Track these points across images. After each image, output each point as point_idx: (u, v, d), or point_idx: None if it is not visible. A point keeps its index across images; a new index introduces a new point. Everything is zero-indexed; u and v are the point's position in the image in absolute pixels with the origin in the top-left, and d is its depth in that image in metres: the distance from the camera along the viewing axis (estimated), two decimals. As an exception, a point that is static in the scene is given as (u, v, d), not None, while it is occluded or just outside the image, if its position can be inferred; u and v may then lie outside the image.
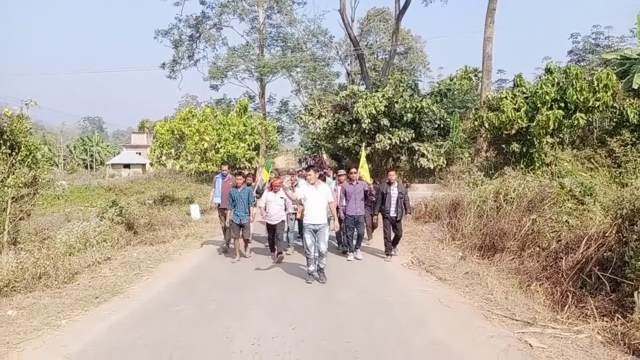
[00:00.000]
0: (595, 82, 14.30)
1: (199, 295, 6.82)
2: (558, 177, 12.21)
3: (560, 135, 15.28)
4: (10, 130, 10.06)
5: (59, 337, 5.06)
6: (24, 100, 11.48)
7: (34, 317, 5.62)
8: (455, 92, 28.34)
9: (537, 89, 15.07)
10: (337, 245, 10.80)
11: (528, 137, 15.09)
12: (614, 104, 14.97)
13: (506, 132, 15.42)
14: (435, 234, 11.63)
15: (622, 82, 15.88)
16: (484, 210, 10.73)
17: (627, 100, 15.22)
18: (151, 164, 24.37)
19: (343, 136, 24.86)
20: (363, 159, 11.81)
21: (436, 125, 24.64)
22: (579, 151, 15.60)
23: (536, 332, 5.03)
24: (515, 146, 15.20)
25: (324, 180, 9.73)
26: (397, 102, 22.98)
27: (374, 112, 22.65)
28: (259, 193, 10.51)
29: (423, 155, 23.00)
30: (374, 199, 10.04)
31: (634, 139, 14.60)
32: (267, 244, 10.27)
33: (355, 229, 9.58)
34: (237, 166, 22.94)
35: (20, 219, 10.23)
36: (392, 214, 9.41)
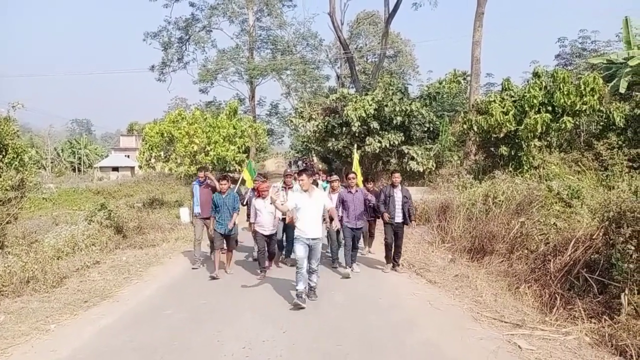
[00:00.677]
0: (582, 86, 14.49)
1: (189, 299, 6.80)
2: (546, 180, 12.34)
3: (548, 138, 15.45)
4: (-4, 132, 9.94)
5: (47, 342, 5.02)
6: (10, 103, 11.39)
7: (22, 321, 5.56)
8: (445, 96, 28.57)
9: (525, 92, 15.24)
10: (331, 261, 9.38)
11: (516, 141, 15.24)
12: (601, 108, 15.17)
13: (495, 136, 15.56)
14: (425, 236, 11.68)
15: (608, 86, 16.09)
16: (473, 213, 10.81)
17: (614, 104, 15.42)
18: (140, 167, 24.23)
19: (333, 139, 24.92)
20: (356, 163, 11.25)
21: (425, 129, 24.80)
22: (566, 154, 15.77)
23: (525, 334, 5.08)
24: (503, 149, 15.34)
25: (316, 185, 8.62)
26: (386, 106, 23.09)
27: (363, 115, 22.74)
28: (242, 201, 9.39)
29: (412, 158, 23.12)
30: (372, 205, 9.02)
31: (620, 142, 14.80)
32: (254, 256, 9.29)
33: (352, 242, 8.55)
34: (227, 169, 22.87)
35: (7, 223, 10.10)
36: (396, 219, 8.47)
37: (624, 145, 14.66)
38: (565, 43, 28.69)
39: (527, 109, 14.77)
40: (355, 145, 14.76)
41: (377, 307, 6.42)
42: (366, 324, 5.65)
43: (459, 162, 23.00)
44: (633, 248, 5.75)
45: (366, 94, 24.91)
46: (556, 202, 9.93)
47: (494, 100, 15.63)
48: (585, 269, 6.12)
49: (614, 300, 5.38)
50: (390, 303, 6.59)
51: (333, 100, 24.95)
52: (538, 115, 14.35)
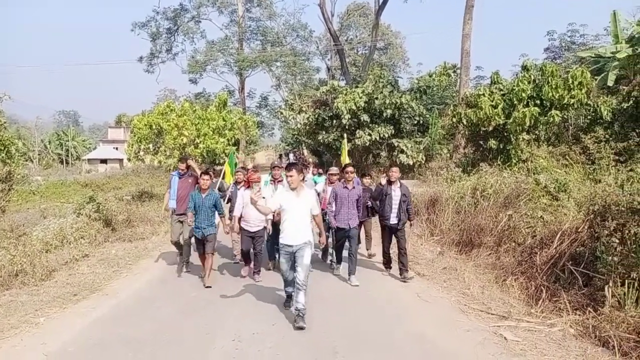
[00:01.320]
0: (570, 80, 14.62)
1: (179, 292, 6.82)
2: (534, 174, 12.46)
3: (536, 132, 15.58)
4: (-17, 125, 9.82)
5: (37, 335, 5.01)
6: (-3, 94, 11.25)
7: (11, 314, 5.55)
8: (435, 89, 28.69)
9: (514, 86, 15.34)
10: (321, 257, 8.95)
11: (505, 134, 15.35)
12: (588, 102, 15.31)
13: (484, 129, 15.67)
14: (414, 229, 11.77)
15: (596, 80, 16.24)
16: (461, 206, 10.91)
17: (601, 98, 15.57)
18: (129, 159, 24.10)
19: (324, 132, 24.92)
20: (344, 153, 11.09)
21: (415, 122, 24.89)
22: (554, 148, 15.91)
23: (511, 325, 5.17)
24: (492, 143, 15.45)
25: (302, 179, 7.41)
26: (377, 98, 23.14)
27: (354, 107, 22.77)
28: (224, 197, 8.52)
29: (402, 151, 23.21)
30: (368, 204, 8.24)
31: (607, 136, 14.95)
32: (237, 258, 8.55)
33: (349, 245, 7.62)
34: (217, 161, 22.78)
35: (-6, 215, 10.04)
36: (393, 220, 7.52)
37: (610, 138, 14.81)
38: (554, 37, 28.90)
39: (515, 102, 14.88)
40: (345, 135, 13.95)
41: (366, 299, 6.50)
42: (355, 316, 5.72)
43: (448, 155, 23.17)
44: (617, 241, 5.86)
45: (356, 87, 24.93)
46: (543, 196, 10.02)
47: (483, 94, 15.73)
48: (570, 262, 6.23)
49: (598, 293, 5.48)
50: (378, 295, 6.68)
51: (323, 92, 24.94)
52: (526, 109, 14.47)
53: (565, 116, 15.44)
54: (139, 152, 22.61)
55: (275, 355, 4.59)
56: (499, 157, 15.36)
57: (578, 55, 22.52)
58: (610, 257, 5.61)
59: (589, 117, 16.01)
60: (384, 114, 23.20)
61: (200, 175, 7.50)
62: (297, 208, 5.59)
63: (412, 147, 23.40)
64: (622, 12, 18.33)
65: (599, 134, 15.15)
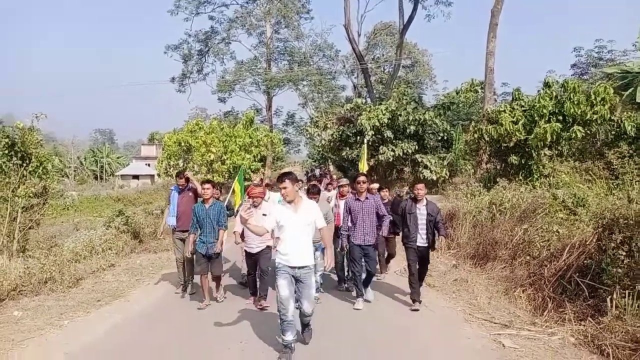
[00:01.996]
0: (593, 96, 14.55)
1: (197, 301, 7.10)
2: (556, 189, 12.41)
3: (559, 147, 15.49)
4: (21, 142, 10.37)
5: (60, 336, 5.39)
6: (34, 114, 11.91)
7: (38, 317, 5.95)
8: (460, 105, 28.75)
9: (535, 102, 15.33)
10: (337, 282, 8.07)
11: (526, 150, 15.31)
12: (612, 117, 15.17)
13: (505, 145, 15.66)
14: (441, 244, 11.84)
15: (622, 96, 16.07)
16: (479, 220, 10.98)
17: (625, 113, 15.40)
18: (158, 175, 24.86)
19: (347, 148, 25.26)
20: (363, 159, 10.74)
21: (439, 138, 24.96)
22: (577, 163, 15.76)
23: (512, 334, 5.28)
24: (513, 158, 15.42)
25: (315, 193, 6.89)
26: (400, 115, 23.37)
27: (377, 124, 23.03)
28: (234, 213, 7.91)
29: (426, 166, 23.28)
30: (390, 217, 7.45)
31: (631, 151, 14.76)
32: (243, 280, 7.73)
33: (364, 264, 6.94)
34: (244, 177, 23.23)
35: (29, 228, 10.56)
36: (420, 242, 6.73)
37: (635, 154, 14.61)
38: (581, 53, 28.63)
39: (537, 118, 14.86)
40: (365, 141, 12.84)
41: (372, 310, 6.65)
42: (360, 325, 5.90)
43: (472, 170, 23.12)
44: (624, 253, 5.90)
45: (380, 104, 25.22)
46: (561, 210, 10.01)
47: (504, 110, 15.76)
48: (577, 274, 6.27)
49: (603, 304, 5.52)
50: (386, 306, 6.81)
51: (347, 110, 25.29)
52: (547, 125, 14.43)
53: (589, 132, 15.32)
54: (168, 168, 23.38)
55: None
56: (521, 173, 15.32)
57: (604, 71, 22.29)
58: (615, 269, 5.66)
59: (613, 132, 15.83)
60: (408, 130, 23.37)
61: (201, 185, 7.00)
62: (297, 224, 4.81)
63: (435, 162, 23.44)
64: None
65: (622, 149, 14.97)
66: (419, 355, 4.92)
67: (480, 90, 31.47)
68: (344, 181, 8.25)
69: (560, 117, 15.03)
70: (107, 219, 13.58)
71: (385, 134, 23.43)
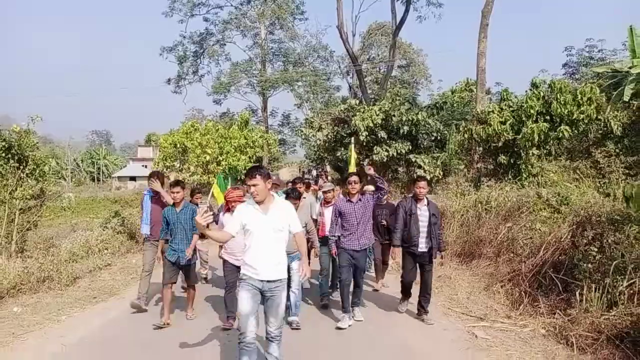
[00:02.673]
0: (579, 96, 14.87)
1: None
2: (544, 188, 12.72)
3: (547, 147, 15.81)
4: (18, 145, 10.57)
5: (58, 330, 5.68)
6: (30, 116, 12.11)
7: (37, 313, 6.24)
8: (455, 105, 29.06)
9: (523, 102, 15.65)
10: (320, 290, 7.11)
11: (515, 149, 15.62)
12: (599, 117, 15.49)
13: (494, 145, 15.97)
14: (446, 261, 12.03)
15: (613, 95, 16.38)
16: (466, 219, 11.28)
17: (612, 113, 15.72)
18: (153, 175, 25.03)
19: (342, 148, 25.51)
20: (352, 159, 10.37)
21: (433, 138, 25.27)
22: (565, 162, 16.09)
23: (486, 326, 5.58)
24: (502, 158, 15.73)
25: (296, 198, 6.01)
26: (394, 116, 23.65)
27: (371, 125, 23.31)
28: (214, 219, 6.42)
29: (420, 166, 23.59)
30: (383, 222, 7.14)
31: (617, 150, 15.10)
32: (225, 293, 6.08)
33: (353, 275, 6.08)
34: (238, 177, 23.55)
35: (27, 230, 10.81)
36: (421, 248, 6.07)
37: (621, 153, 14.95)
38: (572, 52, 28.99)
39: (524, 118, 15.18)
40: (353, 139, 11.58)
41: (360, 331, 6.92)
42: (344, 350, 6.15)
43: (466, 170, 23.45)
44: (596, 249, 6.20)
45: (374, 105, 25.51)
46: (545, 208, 10.32)
47: (492, 111, 16.07)
48: (552, 269, 6.56)
49: (574, 298, 5.81)
50: (367, 304, 6.98)
51: (341, 110, 25.58)
52: (535, 125, 14.74)
53: (575, 131, 15.64)
54: (164, 169, 23.65)
55: None
56: (510, 172, 15.63)
57: (594, 70, 22.63)
58: (585, 265, 5.95)
59: (600, 132, 16.17)
60: (401, 131, 23.65)
61: (171, 187, 6.19)
62: (267, 229, 4.01)
63: (429, 162, 23.73)
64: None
65: (609, 148, 15.31)
66: (397, 344, 5.20)
67: (475, 90, 31.81)
68: (329, 186, 7.24)
69: (548, 117, 15.34)
70: (104, 220, 13.85)
71: (379, 135, 23.71)
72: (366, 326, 5.94)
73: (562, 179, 15.13)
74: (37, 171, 11.45)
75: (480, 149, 17.51)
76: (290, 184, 9.36)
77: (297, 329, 5.77)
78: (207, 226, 3.96)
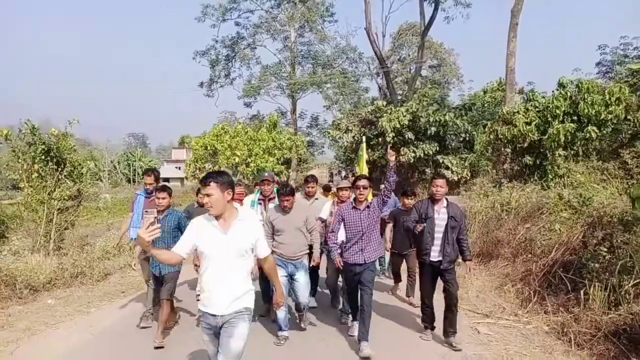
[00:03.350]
0: (608, 96, 14.67)
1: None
2: (569, 189, 12.63)
3: (575, 148, 15.61)
4: (56, 147, 11.16)
5: (87, 320, 6.15)
6: (68, 120, 12.72)
7: (68, 305, 6.74)
8: (486, 105, 28.84)
9: (549, 103, 15.52)
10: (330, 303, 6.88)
11: (541, 150, 15.50)
12: (628, 117, 15.22)
13: (519, 145, 15.88)
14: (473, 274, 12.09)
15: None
16: (486, 219, 11.35)
17: (641, 113, 15.42)
18: (186, 178, 25.80)
19: (369, 150, 25.70)
20: (362, 160, 9.33)
21: (461, 138, 25.20)
22: (602, 163, 15.86)
23: (490, 322, 5.73)
24: (528, 159, 15.64)
25: (287, 193, 5.40)
26: (421, 117, 23.72)
27: (398, 126, 23.43)
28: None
29: (447, 167, 23.58)
30: (406, 224, 5.74)
31: (646, 151, 14.80)
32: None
33: (359, 295, 5.24)
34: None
35: (65, 229, 11.38)
36: (434, 256, 5.28)
37: (650, 153, 14.66)
38: (606, 50, 28.28)
39: (550, 119, 15.06)
40: (364, 137, 11.12)
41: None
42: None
43: (494, 171, 23.28)
44: (605, 249, 6.27)
45: (401, 106, 25.60)
46: (565, 209, 10.30)
47: (518, 111, 15.98)
48: (562, 269, 6.65)
49: (580, 297, 5.91)
50: (382, 301, 7.14)
51: (368, 112, 25.77)
52: (561, 125, 14.61)
53: (603, 132, 15.41)
54: (195, 171, 24.34)
55: None
56: (536, 173, 15.52)
57: (630, 68, 22.10)
58: (593, 264, 6.03)
59: (629, 132, 15.86)
60: (429, 132, 23.70)
61: (157, 192, 5.63)
62: (225, 251, 3.23)
63: (457, 163, 23.72)
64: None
65: (638, 149, 15.02)
66: (400, 336, 5.42)
67: (514, 88, 31.42)
68: (345, 183, 6.44)
69: (575, 118, 15.17)
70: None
71: (406, 136, 23.82)
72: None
73: (589, 180, 14.94)
74: (75, 173, 12.00)
75: (508, 150, 17.42)
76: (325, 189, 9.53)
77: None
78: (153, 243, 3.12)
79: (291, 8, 39.99)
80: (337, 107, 40.89)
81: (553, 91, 17.16)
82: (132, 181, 64.97)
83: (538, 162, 15.62)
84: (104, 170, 60.44)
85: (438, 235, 5.27)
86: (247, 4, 40.44)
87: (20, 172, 10.19)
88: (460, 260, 5.56)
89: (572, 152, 15.75)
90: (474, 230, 11.42)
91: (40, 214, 10.19)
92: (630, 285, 5.41)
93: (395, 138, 23.71)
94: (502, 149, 17.84)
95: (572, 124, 14.70)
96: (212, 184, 3.18)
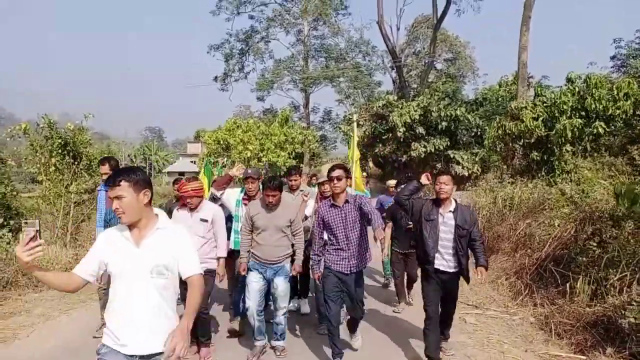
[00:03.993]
0: (616, 91, 14.69)
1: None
2: (577, 185, 12.74)
3: (582, 143, 15.65)
4: (72, 142, 11.53)
5: (98, 306, 6.51)
6: (84, 114, 13.08)
7: (82, 293, 7.09)
8: (500, 99, 28.77)
9: (557, 98, 15.57)
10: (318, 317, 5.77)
11: (548, 146, 15.58)
12: (637, 112, 15.21)
13: (526, 141, 15.97)
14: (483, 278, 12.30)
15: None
16: (489, 215, 11.55)
17: (651, 108, 15.39)
18: (198, 172, 26.28)
19: (380, 144, 25.90)
20: (353, 146, 7.29)
21: (472, 133, 25.23)
22: (600, 159, 15.88)
23: (478, 313, 5.99)
24: (535, 154, 15.72)
25: (274, 187, 4.63)
26: (432, 111, 23.81)
27: (408, 120, 23.56)
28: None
29: (458, 162, 23.66)
30: (409, 223, 5.59)
31: (654, 147, 14.80)
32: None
33: (345, 304, 4.81)
34: (278, 173, 24.33)
35: (81, 221, 11.79)
36: (440, 264, 4.55)
37: (658, 149, 14.65)
38: (621, 44, 28.02)
39: (557, 114, 15.13)
40: (355, 116, 9.97)
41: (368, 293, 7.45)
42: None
43: (505, 166, 23.31)
44: (595, 244, 6.47)
45: (412, 100, 25.71)
46: (567, 205, 10.45)
47: (525, 107, 16.06)
48: (553, 263, 6.87)
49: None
50: (376, 293, 7.45)
51: (379, 107, 25.94)
52: (568, 121, 14.68)
53: (611, 127, 15.43)
54: (208, 165, 24.74)
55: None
56: (543, 169, 15.60)
57: (643, 63, 21.98)
58: (581, 258, 6.25)
59: (638, 127, 15.84)
60: (440, 126, 23.79)
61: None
62: (138, 270, 2.51)
63: (468, 158, 23.78)
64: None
65: (646, 145, 15.01)
66: (389, 324, 5.70)
67: (527, 82, 31.30)
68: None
69: (583, 113, 15.21)
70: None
71: (417, 130, 23.94)
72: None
73: (596, 176, 14.98)
74: (93, 166, 12.35)
75: (516, 145, 17.50)
76: (312, 177, 9.40)
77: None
78: (33, 265, 2.36)
79: (305, 1, 40.17)
80: (350, 101, 41.07)
81: (561, 86, 17.19)
82: (148, 175, 66.08)
83: (545, 157, 15.71)
84: (121, 164, 61.48)
85: (443, 244, 4.50)
86: (261, -4, 40.84)
87: (38, 165, 10.54)
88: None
89: (581, 147, 15.80)
90: (477, 226, 11.62)
91: (57, 206, 10.55)
92: (615, 278, 5.62)
93: (406, 133, 23.85)
94: (511, 144, 17.93)
95: (579, 120, 14.75)
96: (122, 183, 2.47)
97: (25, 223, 2.39)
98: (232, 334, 5.35)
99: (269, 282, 4.79)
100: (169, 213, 4.77)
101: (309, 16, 39.93)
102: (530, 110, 15.79)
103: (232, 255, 5.29)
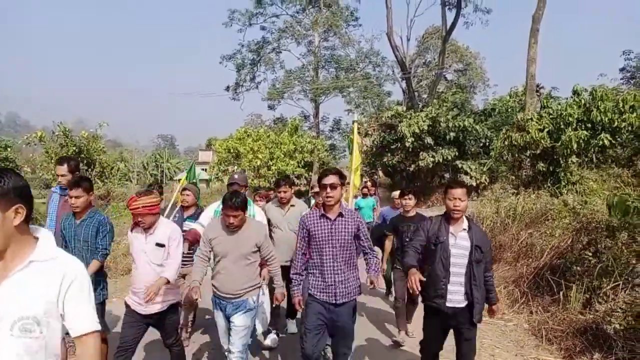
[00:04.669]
0: (621, 104, 14.82)
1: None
2: (582, 196, 12.86)
3: (588, 155, 15.76)
4: (86, 149, 11.93)
5: (108, 308, 6.80)
6: (98, 122, 13.49)
7: (93, 295, 7.44)
8: (509, 110, 28.90)
9: (563, 110, 15.71)
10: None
11: (554, 157, 15.70)
12: (643, 124, 15.30)
13: (532, 152, 16.11)
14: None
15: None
16: (493, 225, 11.70)
17: (656, 121, 15.48)
18: (209, 180, 26.67)
19: (389, 154, 26.14)
20: (356, 151, 7.06)
21: (481, 144, 25.37)
22: (606, 170, 15.97)
23: (473, 320, 6.15)
24: (541, 166, 15.85)
25: (236, 207, 3.75)
26: (440, 122, 24.01)
27: (417, 131, 23.78)
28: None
29: (466, 172, 23.80)
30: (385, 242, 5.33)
31: (659, 159, 14.88)
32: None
33: (331, 342, 4.04)
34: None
35: (93, 227, 12.16)
36: (454, 300, 3.74)
37: (663, 161, 14.74)
38: (630, 56, 28.07)
39: (562, 126, 15.26)
40: (355, 116, 9.55)
41: (366, 299, 7.65)
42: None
43: (513, 177, 23.40)
44: (590, 254, 6.63)
45: (421, 111, 25.94)
46: (569, 216, 10.59)
47: (531, 118, 16.20)
48: (549, 272, 7.03)
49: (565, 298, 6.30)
50: (375, 302, 7.68)
51: (388, 117, 26.20)
52: (574, 133, 14.81)
53: (617, 139, 15.54)
54: (219, 173, 25.17)
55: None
56: (549, 180, 15.71)
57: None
58: (576, 268, 6.41)
59: (645, 140, 15.93)
60: (448, 137, 23.97)
61: (69, 190, 4.10)
62: (5, 322, 1.62)
63: (476, 168, 23.92)
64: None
65: (651, 157, 15.10)
66: (385, 334, 5.90)
67: (536, 95, 31.40)
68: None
69: (589, 125, 15.33)
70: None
71: (425, 140, 24.14)
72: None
73: (602, 187, 15.07)
74: (107, 173, 12.69)
75: (524, 156, 17.63)
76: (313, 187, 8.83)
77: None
78: None
79: (316, 13, 40.66)
80: (360, 111, 41.39)
81: (567, 98, 17.30)
82: (160, 182, 66.83)
83: (552, 168, 15.83)
84: (133, 172, 62.27)
85: (455, 270, 3.68)
86: (273, 8, 41.42)
87: (53, 172, 10.94)
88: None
89: (587, 159, 15.90)
90: (480, 235, 11.78)
91: (71, 212, 10.88)
92: (608, 287, 5.79)
93: (414, 143, 24.06)
94: (517, 155, 18.07)
95: (585, 132, 14.88)
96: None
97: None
98: None
99: (228, 319, 4.01)
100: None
101: (319, 27, 40.40)
102: (536, 122, 15.93)
103: None
